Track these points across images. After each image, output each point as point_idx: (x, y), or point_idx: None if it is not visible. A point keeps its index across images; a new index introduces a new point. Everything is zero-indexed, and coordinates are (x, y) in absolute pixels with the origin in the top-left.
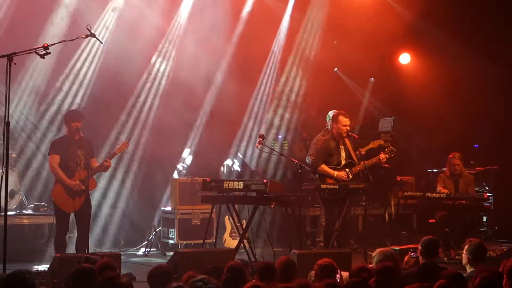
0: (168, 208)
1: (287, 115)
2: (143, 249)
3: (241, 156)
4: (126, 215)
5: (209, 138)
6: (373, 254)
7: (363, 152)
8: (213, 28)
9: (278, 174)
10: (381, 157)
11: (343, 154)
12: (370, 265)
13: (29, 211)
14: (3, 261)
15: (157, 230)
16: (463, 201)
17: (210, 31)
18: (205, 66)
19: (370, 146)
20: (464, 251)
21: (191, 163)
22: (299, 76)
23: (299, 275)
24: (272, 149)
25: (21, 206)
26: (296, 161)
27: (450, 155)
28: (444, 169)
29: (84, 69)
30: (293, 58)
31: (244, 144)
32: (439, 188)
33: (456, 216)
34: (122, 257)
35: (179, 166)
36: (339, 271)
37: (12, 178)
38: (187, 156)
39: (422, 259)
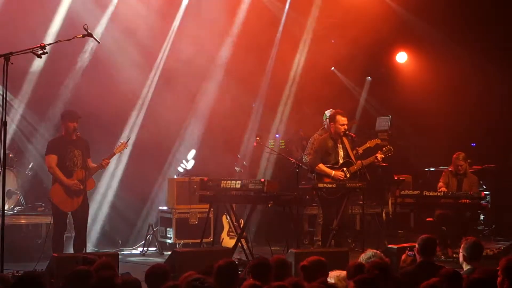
0: (166, 207)
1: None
2: (140, 249)
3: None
4: (122, 214)
5: (209, 138)
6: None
7: (361, 151)
8: (211, 27)
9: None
10: (377, 156)
11: (341, 153)
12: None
13: (27, 211)
14: (1, 261)
15: (154, 229)
16: (461, 200)
17: (207, 30)
18: (204, 65)
19: (367, 145)
20: (460, 249)
21: (192, 167)
22: (296, 75)
23: (297, 274)
24: (269, 148)
25: (18, 206)
26: (294, 160)
27: (455, 155)
28: (442, 167)
29: (82, 67)
30: (291, 57)
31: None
32: (440, 184)
33: (454, 214)
34: (119, 256)
35: (179, 168)
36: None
37: (10, 178)
38: (191, 159)
39: (419, 258)
